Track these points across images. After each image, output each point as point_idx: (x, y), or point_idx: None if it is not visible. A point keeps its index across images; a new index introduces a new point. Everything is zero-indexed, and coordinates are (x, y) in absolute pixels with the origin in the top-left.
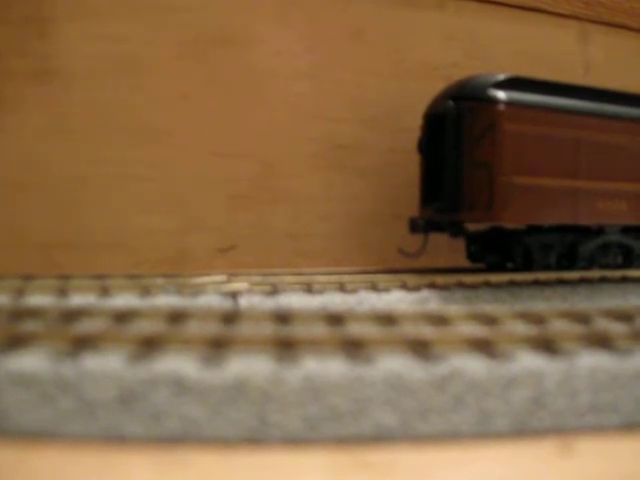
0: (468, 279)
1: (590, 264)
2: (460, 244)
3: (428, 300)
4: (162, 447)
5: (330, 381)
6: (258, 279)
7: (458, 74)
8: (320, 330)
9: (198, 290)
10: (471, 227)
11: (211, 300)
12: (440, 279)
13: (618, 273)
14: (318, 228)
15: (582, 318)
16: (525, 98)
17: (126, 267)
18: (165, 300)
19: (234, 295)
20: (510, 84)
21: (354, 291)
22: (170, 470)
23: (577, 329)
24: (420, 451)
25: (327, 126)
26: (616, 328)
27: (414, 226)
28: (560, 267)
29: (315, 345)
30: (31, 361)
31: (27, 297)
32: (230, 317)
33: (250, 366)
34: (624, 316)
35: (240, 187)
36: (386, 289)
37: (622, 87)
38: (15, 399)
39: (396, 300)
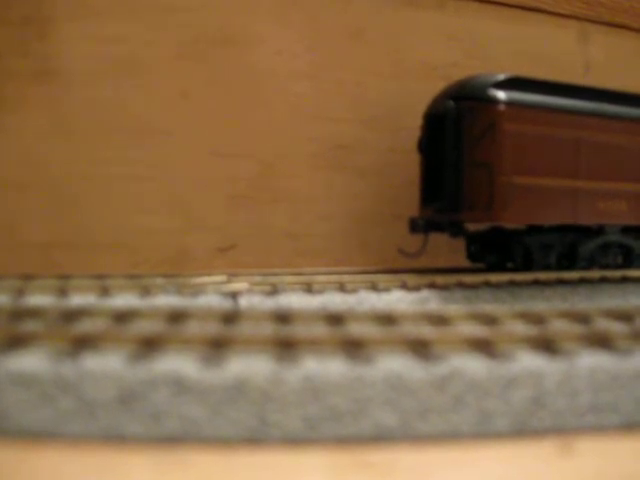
0: (468, 279)
1: (590, 264)
2: (460, 244)
3: (428, 300)
4: (162, 447)
5: (330, 381)
6: (258, 279)
7: (458, 74)
8: (320, 330)
9: (198, 290)
10: (471, 227)
11: (211, 300)
12: (440, 279)
13: (618, 273)
14: (318, 228)
15: (582, 318)
16: (525, 98)
17: (126, 267)
18: (165, 300)
19: (234, 295)
20: (510, 84)
21: (354, 291)
22: (170, 470)
23: (577, 329)
24: (420, 451)
25: (327, 126)
26: (616, 328)
27: (414, 226)
28: (560, 267)
29: (315, 345)
30: (31, 361)
31: (27, 297)
32: (230, 317)
33: (250, 366)
34: (624, 316)
35: (240, 187)
36: (386, 289)
37: (622, 87)
38: (15, 399)
39: (396, 300)
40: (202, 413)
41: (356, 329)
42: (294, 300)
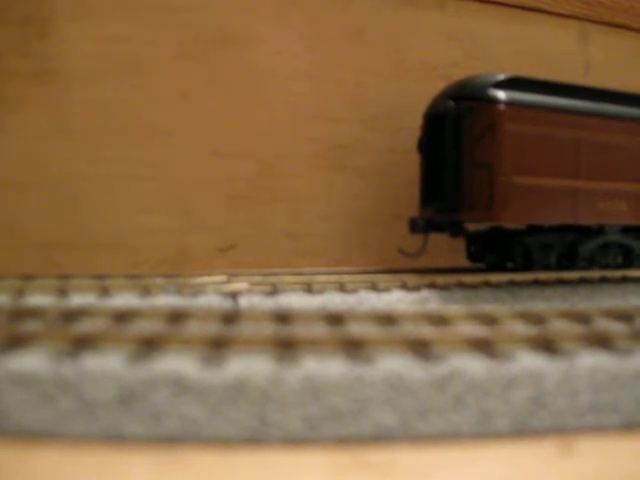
0: (468, 279)
1: (590, 264)
2: (460, 244)
3: (428, 300)
4: (162, 447)
5: (330, 381)
6: (258, 279)
7: (458, 74)
8: (320, 330)
9: (198, 290)
10: (471, 227)
11: (211, 300)
12: (440, 279)
13: (618, 273)
14: (318, 228)
15: (582, 318)
16: (525, 98)
17: (126, 267)
18: (165, 300)
19: (234, 295)
20: (510, 84)
21: (354, 291)
22: (170, 470)
23: (577, 329)
24: (420, 451)
25: (327, 126)
26: (616, 328)
27: (414, 226)
28: (560, 267)
29: (315, 345)
30: (31, 361)
31: (27, 297)
32: (230, 317)
33: (250, 366)
34: (624, 316)
35: (240, 187)
36: (386, 289)
37: (622, 87)
38: (15, 399)
39: (396, 300)
40: (202, 413)
41: (356, 329)
42: (294, 300)
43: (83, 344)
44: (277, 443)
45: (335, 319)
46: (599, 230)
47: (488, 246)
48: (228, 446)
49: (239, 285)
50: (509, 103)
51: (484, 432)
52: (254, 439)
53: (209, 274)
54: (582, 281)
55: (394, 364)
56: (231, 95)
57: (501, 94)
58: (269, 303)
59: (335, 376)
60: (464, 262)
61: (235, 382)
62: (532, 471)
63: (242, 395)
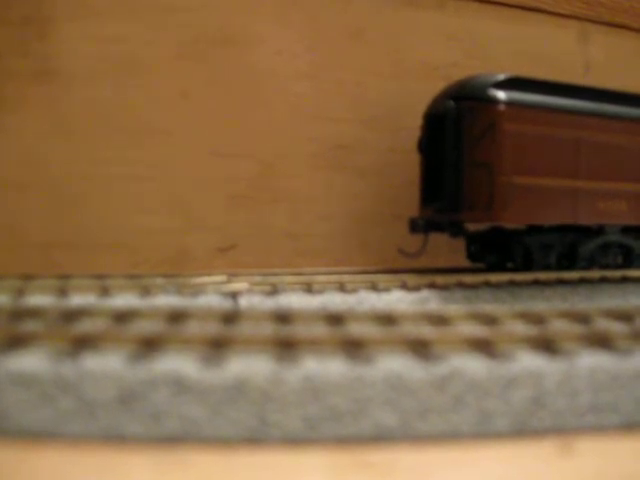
0: (468, 279)
1: (590, 264)
2: (460, 244)
3: (428, 300)
4: (162, 447)
5: (330, 381)
6: (258, 279)
7: (458, 74)
8: (320, 330)
9: (198, 290)
10: (471, 227)
11: (211, 300)
12: (440, 279)
13: (618, 273)
14: (318, 228)
15: (582, 318)
16: (525, 98)
17: (126, 267)
18: (165, 300)
19: (234, 295)
20: (510, 84)
21: (354, 291)
22: (170, 470)
23: (577, 329)
24: (420, 451)
25: (327, 126)
26: (616, 328)
27: (414, 226)
28: (560, 267)
29: (315, 345)
30: (31, 361)
31: (27, 297)
32: (230, 317)
33: (250, 366)
34: (624, 316)
35: (240, 187)
36: (386, 289)
37: (622, 87)
38: (15, 399)
39: (396, 300)
40: (202, 413)
41: (356, 329)
42: (294, 300)
43: (83, 344)
44: (277, 443)
45: (335, 319)
46: (599, 230)
47: (488, 246)
48: (228, 446)
49: (239, 285)
50: (509, 103)
51: (484, 432)
52: (254, 439)
53: (209, 274)
54: (582, 281)
55: (394, 364)
56: (231, 95)
57: (501, 94)
58: (269, 303)
59: (335, 376)
60: (464, 262)
61: (235, 382)
62: (532, 471)
63: (242, 395)
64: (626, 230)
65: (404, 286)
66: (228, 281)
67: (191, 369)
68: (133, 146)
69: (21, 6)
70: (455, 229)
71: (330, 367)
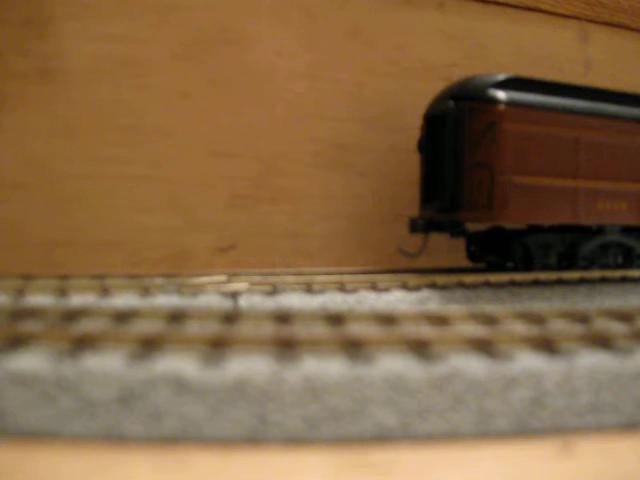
0: (468, 279)
1: (590, 264)
2: (460, 244)
3: (428, 300)
4: (162, 447)
5: (330, 381)
6: (258, 279)
7: (458, 74)
8: (320, 330)
9: (198, 290)
10: (471, 227)
11: (211, 300)
12: (440, 279)
13: (618, 273)
14: (318, 227)
15: (582, 318)
16: (525, 98)
17: (126, 266)
18: (165, 300)
19: (234, 295)
20: (510, 84)
21: (354, 291)
22: (170, 470)
23: (577, 329)
24: (420, 451)
25: (327, 125)
26: (616, 328)
27: (414, 226)
28: (560, 267)
29: (315, 345)
30: (31, 361)
31: (27, 297)
32: (230, 317)
33: (250, 366)
34: (624, 316)
35: (240, 187)
36: (386, 289)
37: (622, 87)
38: (15, 399)
39: (396, 300)
40: (202, 413)
41: (356, 329)
42: (294, 300)
43: (83, 344)
44: (277, 443)
45: (335, 319)
46: (599, 230)
47: (488, 246)
48: (228, 446)
49: (239, 285)
50: (509, 103)
51: (484, 432)
52: (254, 439)
53: (209, 274)
54: (582, 281)
55: (394, 364)
56: (231, 95)
57: (501, 94)
58: (269, 303)
59: (335, 376)
60: (464, 262)
61: (235, 382)
62: (532, 471)
63: (242, 395)
64: (626, 230)
65: (404, 286)
66: (228, 281)
67: (191, 369)
68: (133, 145)
69: (22, 6)
70: (455, 229)
71: (330, 367)
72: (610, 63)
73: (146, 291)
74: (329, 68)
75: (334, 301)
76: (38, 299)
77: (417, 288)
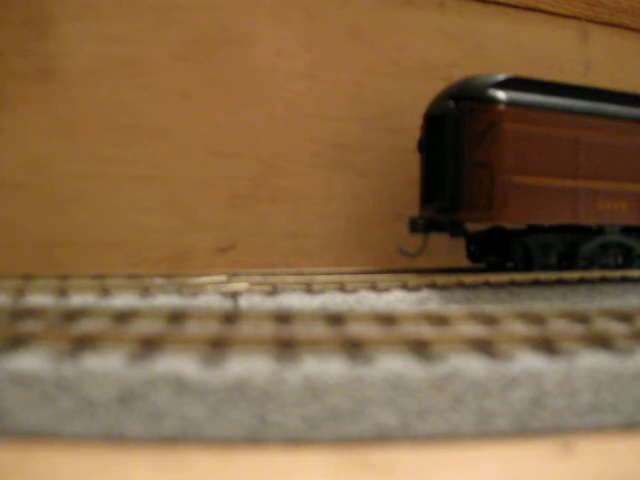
0: (468, 279)
1: (590, 264)
2: (460, 244)
3: (428, 300)
4: (162, 447)
5: (330, 381)
6: (258, 279)
7: (458, 74)
8: (320, 330)
9: (198, 290)
10: (471, 227)
11: (211, 300)
12: (440, 279)
13: (618, 273)
14: (318, 227)
15: (582, 318)
16: (525, 98)
17: (126, 266)
18: (165, 300)
19: (234, 295)
20: (510, 84)
21: (354, 291)
22: (170, 470)
23: (577, 329)
24: (420, 451)
25: (327, 125)
26: (616, 328)
27: (414, 226)
28: (560, 267)
29: (315, 345)
30: (31, 361)
31: (27, 297)
32: (230, 317)
33: (250, 366)
34: (624, 316)
35: (240, 186)
36: (386, 289)
37: (622, 87)
38: (15, 399)
39: (396, 300)
40: (202, 413)
41: (356, 329)
42: (294, 300)
43: (83, 344)
44: (277, 443)
45: (335, 319)
46: (599, 230)
47: (488, 246)
48: (228, 446)
49: (239, 285)
50: (509, 103)
51: (484, 432)
52: (254, 439)
53: (209, 274)
54: (582, 281)
55: (394, 364)
56: (231, 95)
57: (501, 94)
58: (269, 303)
59: (335, 376)
60: (464, 262)
61: (235, 382)
62: (532, 471)
63: (242, 395)
64: (626, 230)
65: (404, 286)
66: (228, 281)
67: (191, 369)
68: (133, 145)
69: (22, 6)
70: (455, 229)
71: (330, 367)
72: (610, 63)
73: (146, 291)
74: (329, 68)
75: (334, 301)
76: (38, 299)
77: (417, 288)
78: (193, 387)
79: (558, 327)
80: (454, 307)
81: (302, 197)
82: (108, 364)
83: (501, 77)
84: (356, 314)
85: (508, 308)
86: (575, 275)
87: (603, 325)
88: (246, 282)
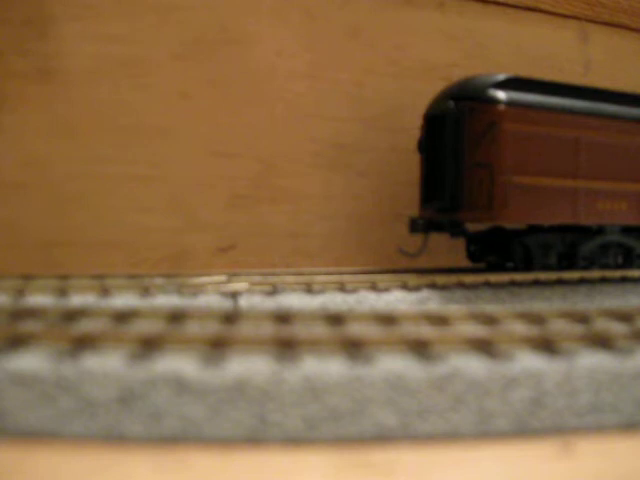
0: (468, 279)
1: (590, 264)
2: (460, 244)
3: (428, 300)
4: (162, 447)
5: (330, 381)
6: (258, 279)
7: (458, 74)
8: (320, 330)
9: (198, 290)
10: (471, 227)
11: (211, 300)
12: (440, 279)
13: (618, 273)
14: (318, 227)
15: (582, 318)
16: (525, 98)
17: (126, 266)
18: (165, 300)
19: (234, 295)
20: (510, 84)
21: (354, 291)
22: (170, 470)
23: (577, 329)
24: (420, 451)
25: (327, 125)
26: (616, 328)
27: (414, 226)
28: (560, 267)
29: (315, 345)
30: (31, 361)
31: (27, 297)
32: (230, 317)
33: (250, 366)
34: (624, 316)
35: (240, 186)
36: (386, 289)
37: (622, 87)
38: (15, 399)
39: (396, 300)
40: (202, 413)
41: (356, 329)
42: (294, 300)
43: (83, 344)
44: (277, 443)
45: (335, 319)
46: (599, 230)
47: (488, 246)
48: (228, 446)
49: (239, 285)
50: (509, 103)
51: (484, 432)
52: (254, 439)
53: (209, 274)
54: (582, 281)
55: (394, 364)
56: (231, 95)
57: (501, 94)
58: (269, 303)
59: (335, 376)
60: (464, 262)
61: (235, 382)
62: (532, 471)
63: (242, 395)
64: (626, 230)
65: (404, 286)
66: (228, 281)
67: (191, 369)
68: (133, 145)
69: (22, 6)
70: (455, 229)
71: (330, 367)
72: (610, 63)
73: (146, 291)
74: (329, 68)
75: (334, 301)
76: (38, 299)
77: (417, 288)
78: (193, 387)
79: (558, 327)
80: (454, 307)
81: (302, 197)
82: (108, 364)
83: (501, 77)
84: (356, 314)
85: (508, 308)
86: (575, 275)
87: (603, 325)
88: (246, 282)
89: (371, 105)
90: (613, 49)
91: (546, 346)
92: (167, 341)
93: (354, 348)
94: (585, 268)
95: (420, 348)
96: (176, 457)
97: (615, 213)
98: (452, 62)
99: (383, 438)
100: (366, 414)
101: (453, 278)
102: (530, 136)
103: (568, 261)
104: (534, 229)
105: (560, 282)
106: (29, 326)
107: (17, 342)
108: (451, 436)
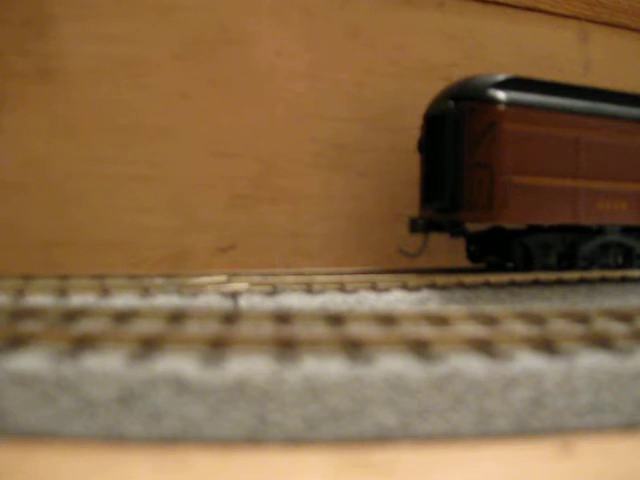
0: (468, 279)
1: (590, 264)
2: (460, 244)
3: (428, 300)
4: (162, 447)
5: (330, 381)
6: (258, 279)
7: (458, 74)
8: (320, 330)
9: (198, 290)
10: (471, 227)
11: (211, 300)
12: (440, 279)
13: (618, 273)
14: (318, 228)
15: (582, 318)
16: (525, 98)
17: (126, 266)
18: (165, 300)
19: (234, 295)
20: (510, 84)
21: (354, 291)
22: (170, 470)
23: (577, 329)
24: (420, 451)
25: (327, 125)
26: (616, 328)
27: (414, 226)
28: (560, 267)
29: (315, 345)
30: (31, 361)
31: (27, 297)
32: (230, 317)
33: (250, 366)
34: (624, 316)
35: (240, 186)
36: (386, 289)
37: (622, 87)
38: (15, 399)
39: (396, 300)
40: (202, 413)
41: (356, 329)
42: (294, 300)
43: (83, 344)
44: (277, 443)
45: (335, 319)
46: (599, 230)
47: (488, 246)
48: (228, 446)
49: (239, 285)
50: (509, 103)
51: (484, 432)
52: (254, 439)
53: (209, 274)
54: (582, 281)
55: (394, 364)
56: (231, 95)
57: (501, 94)
58: (269, 303)
59: (335, 376)
60: (464, 262)
61: (235, 382)
62: (532, 471)
63: (242, 395)
64: (626, 230)
65: (404, 286)
66: (228, 281)
67: (191, 369)
68: (133, 145)
69: (22, 6)
70: (455, 229)
71: (330, 367)
72: (610, 63)
73: (146, 291)
74: (329, 68)
75: (334, 301)
76: (38, 299)
77: (417, 288)
78: (193, 387)
79: (558, 327)
80: (454, 307)
81: (302, 197)
82: (108, 364)
83: (501, 77)
84: (356, 314)
85: (508, 308)
86: (575, 275)
87: (603, 325)
88: (246, 282)
89: (371, 105)
90: (613, 49)
91: (546, 346)
92: (167, 341)
93: (354, 348)
94: (585, 268)
95: (420, 348)
96: (176, 457)
97: (615, 213)
98: (452, 62)
99: (383, 438)
100: (366, 414)
101: (453, 278)
102: (530, 136)
103: (568, 261)
104: (534, 229)
105: (560, 282)
106: (29, 326)
107: (17, 342)
108: (451, 436)
